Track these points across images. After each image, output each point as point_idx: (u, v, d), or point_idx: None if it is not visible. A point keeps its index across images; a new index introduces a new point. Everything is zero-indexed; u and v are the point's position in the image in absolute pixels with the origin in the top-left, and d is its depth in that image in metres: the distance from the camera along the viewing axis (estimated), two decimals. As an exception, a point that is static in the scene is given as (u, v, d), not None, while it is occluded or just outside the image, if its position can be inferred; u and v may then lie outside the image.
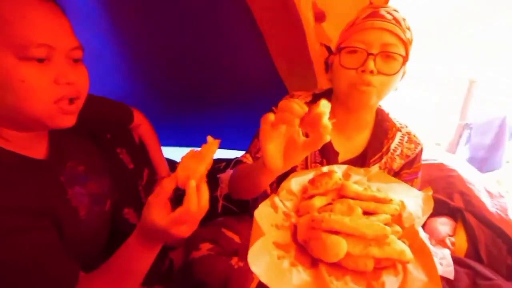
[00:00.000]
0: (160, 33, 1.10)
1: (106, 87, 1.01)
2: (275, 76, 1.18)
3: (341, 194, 0.68)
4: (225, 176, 1.37)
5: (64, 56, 0.60)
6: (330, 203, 0.66)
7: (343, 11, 0.92)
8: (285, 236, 0.60)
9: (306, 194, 0.70)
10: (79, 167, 0.78)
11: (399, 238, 0.59)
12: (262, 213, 0.63)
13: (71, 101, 0.62)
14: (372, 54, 0.77)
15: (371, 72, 0.76)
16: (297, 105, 0.60)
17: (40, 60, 0.57)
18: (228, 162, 1.42)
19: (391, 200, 0.65)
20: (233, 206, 1.28)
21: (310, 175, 0.74)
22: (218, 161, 1.45)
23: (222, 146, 1.61)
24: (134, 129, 1.07)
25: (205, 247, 0.93)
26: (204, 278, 0.90)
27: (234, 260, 0.93)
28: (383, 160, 0.93)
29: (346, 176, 0.77)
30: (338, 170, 0.76)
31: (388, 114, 0.97)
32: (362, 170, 0.80)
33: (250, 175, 0.78)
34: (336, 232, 0.56)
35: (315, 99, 0.93)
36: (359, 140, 0.93)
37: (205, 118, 1.43)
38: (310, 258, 0.57)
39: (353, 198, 0.66)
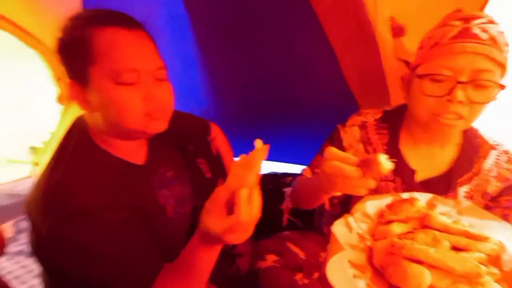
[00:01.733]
0: (238, 54, 1.18)
1: (189, 103, 1.12)
2: (346, 92, 1.17)
3: (424, 224, 0.62)
4: (291, 190, 1.40)
5: (150, 76, 0.69)
6: (411, 232, 0.62)
7: (424, 23, 0.86)
8: (360, 257, 0.58)
9: (383, 219, 0.66)
10: (168, 173, 0.88)
11: (496, 281, 0.52)
12: (338, 230, 0.63)
13: (159, 111, 0.71)
14: (461, 82, 0.66)
15: (460, 102, 0.67)
16: (347, 168, 0.56)
17: (131, 84, 0.66)
18: (294, 176, 1.45)
19: (487, 238, 0.57)
20: (298, 220, 1.30)
21: (387, 199, 0.70)
22: (285, 175, 1.49)
23: (290, 161, 1.66)
24: (212, 141, 1.17)
25: (270, 259, 0.95)
26: None
27: (299, 276, 0.92)
28: (475, 182, 0.81)
29: (431, 205, 0.70)
30: (421, 198, 0.70)
31: (477, 130, 0.85)
32: (451, 201, 0.72)
33: (308, 188, 0.79)
34: (419, 262, 0.52)
35: (386, 116, 0.90)
36: (442, 157, 0.84)
37: (276, 132, 1.48)
38: (388, 283, 0.54)
39: (439, 230, 0.60)
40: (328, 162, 0.58)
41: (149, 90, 0.68)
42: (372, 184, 0.57)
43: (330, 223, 1.03)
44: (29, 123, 1.70)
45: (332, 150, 0.59)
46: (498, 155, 0.83)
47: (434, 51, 0.70)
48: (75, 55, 0.66)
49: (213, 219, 0.56)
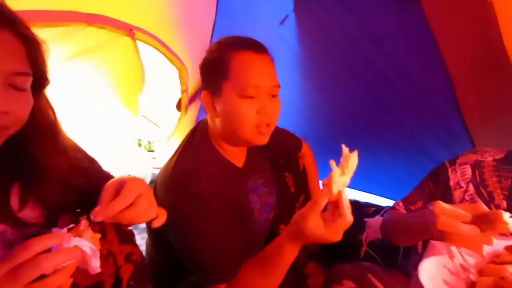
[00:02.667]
0: (343, 82, 1.24)
1: (287, 120, 1.21)
2: (458, 128, 1.08)
3: None
4: (373, 221, 1.33)
5: (266, 93, 0.80)
6: None
7: None
8: (458, 284, 0.56)
9: (498, 259, 0.60)
10: (259, 180, 0.99)
11: None
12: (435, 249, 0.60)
13: (267, 125, 0.82)
14: None
15: None
16: (464, 227, 0.55)
17: (251, 97, 0.78)
18: (377, 208, 1.38)
19: None
20: (376, 255, 1.22)
21: (506, 241, 0.63)
22: (367, 204, 1.43)
23: (375, 192, 1.59)
24: (301, 158, 1.23)
25: (348, 284, 0.90)
26: None
27: (375, 312, 0.87)
28: None
29: None
30: None
31: None
32: None
33: (407, 226, 0.77)
34: None
35: (510, 157, 0.79)
36: None
37: (368, 161, 1.45)
38: None
39: None
40: (441, 219, 0.58)
41: (263, 103, 0.79)
42: (492, 242, 0.55)
43: (417, 265, 0.95)
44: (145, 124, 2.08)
45: (441, 206, 0.59)
46: None
47: None
48: (214, 71, 0.82)
49: (316, 223, 0.62)
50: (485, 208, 0.57)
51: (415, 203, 0.91)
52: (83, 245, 0.46)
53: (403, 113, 1.24)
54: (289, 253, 0.71)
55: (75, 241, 0.46)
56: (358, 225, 1.30)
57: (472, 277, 0.57)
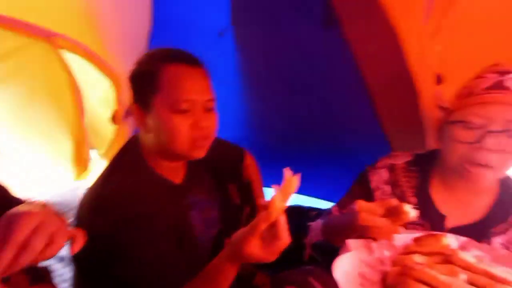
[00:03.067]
0: (279, 94, 1.30)
1: (227, 131, 1.22)
2: (379, 136, 1.22)
3: (447, 260, 0.63)
4: (315, 225, 1.39)
5: (201, 106, 0.79)
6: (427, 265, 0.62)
7: (464, 74, 0.90)
8: (373, 275, 0.62)
9: (407, 250, 0.68)
10: (200, 195, 0.95)
11: None
12: (353, 244, 0.68)
13: (204, 139, 0.80)
14: (492, 131, 0.69)
15: (489, 150, 0.69)
16: (379, 220, 0.65)
17: (184, 111, 0.76)
18: (320, 211, 1.45)
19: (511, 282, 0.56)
20: (319, 257, 1.27)
21: (416, 234, 0.72)
22: (309, 209, 1.49)
23: (316, 195, 1.68)
24: (244, 169, 1.23)
25: (290, 291, 0.93)
26: None
27: (318, 313, 0.90)
28: (510, 235, 0.79)
29: (463, 248, 0.70)
30: (455, 241, 0.70)
31: None
32: (486, 246, 0.72)
33: (341, 228, 0.84)
34: (429, 286, 0.54)
35: (417, 160, 0.91)
36: (476, 205, 0.83)
37: (306, 167, 1.52)
38: None
39: (461, 268, 0.60)
40: (360, 215, 0.66)
41: (197, 119, 0.77)
42: (399, 230, 0.65)
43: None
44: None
45: (361, 204, 0.67)
46: None
47: (468, 100, 0.74)
48: (144, 85, 0.78)
49: (255, 245, 0.63)
50: (394, 203, 0.66)
51: (346, 205, 0.99)
52: None
53: (333, 123, 1.35)
54: (228, 272, 0.70)
55: None
56: (302, 230, 1.35)
57: (387, 268, 0.64)
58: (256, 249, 0.63)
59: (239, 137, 1.15)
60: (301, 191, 1.67)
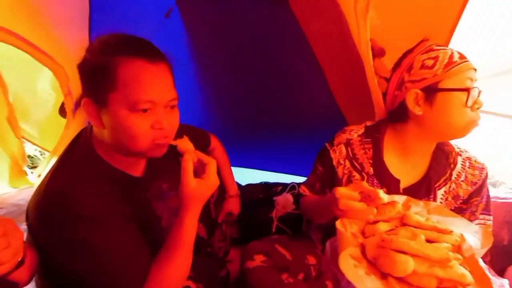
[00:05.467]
0: (235, 73, 1.27)
1: (188, 115, 1.19)
2: (334, 108, 1.25)
3: (403, 222, 0.72)
4: (281, 199, 1.44)
5: (163, 106, 0.72)
6: (393, 229, 0.71)
7: (399, 46, 0.94)
8: (356, 252, 0.68)
9: (370, 220, 0.74)
10: (164, 185, 0.91)
11: (460, 265, 0.62)
12: (340, 229, 0.71)
13: (164, 138, 0.74)
14: (470, 89, 0.79)
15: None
16: (358, 204, 0.72)
17: (144, 111, 0.69)
18: (284, 186, 1.50)
19: (451, 231, 0.67)
20: (286, 227, 1.34)
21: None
22: (274, 184, 1.53)
23: (280, 170, 1.73)
24: (210, 152, 1.21)
25: (259, 259, 0.98)
26: (256, 287, 0.94)
27: (285, 276, 0.96)
28: (449, 186, 0.89)
29: (406, 206, 0.78)
30: (399, 200, 0.78)
31: None
32: (421, 202, 0.80)
33: (319, 209, 0.93)
34: (403, 252, 0.62)
35: (368, 131, 0.96)
36: (421, 166, 0.91)
37: (269, 144, 1.55)
38: (380, 272, 0.64)
39: (415, 227, 0.70)
40: (340, 200, 0.73)
41: (158, 118, 0.71)
42: (374, 211, 0.73)
43: (317, 229, 1.09)
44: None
45: (341, 190, 0.73)
46: (463, 161, 0.92)
47: (452, 71, 0.80)
48: (98, 79, 0.68)
49: (193, 179, 0.71)
50: (367, 186, 0.73)
51: (314, 185, 1.03)
52: None
53: (290, 100, 1.37)
54: (190, 227, 0.72)
55: None
56: (269, 205, 1.41)
57: (360, 240, 0.70)
58: (196, 181, 0.70)
59: (198, 121, 1.12)
60: (266, 167, 1.72)
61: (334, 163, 0.96)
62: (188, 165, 0.70)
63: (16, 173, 1.52)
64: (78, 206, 0.67)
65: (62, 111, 1.46)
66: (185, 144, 0.74)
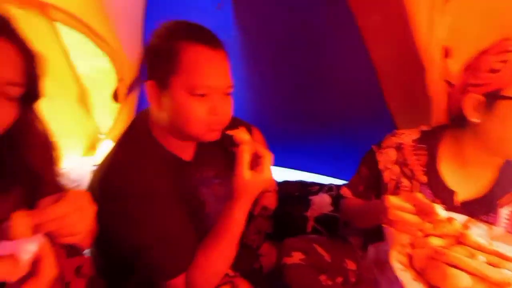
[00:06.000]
0: (282, 68, 1.25)
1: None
2: (383, 110, 1.19)
3: (459, 241, 0.68)
4: (318, 199, 1.42)
5: (219, 92, 0.75)
6: (445, 247, 0.67)
7: (469, 48, 0.86)
8: (403, 259, 0.66)
9: (420, 235, 0.71)
10: (210, 172, 0.95)
11: None
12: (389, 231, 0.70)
13: (219, 123, 0.78)
14: None
15: None
16: (410, 217, 0.67)
17: (202, 95, 0.73)
18: (321, 186, 1.47)
19: None
20: (322, 228, 1.31)
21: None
22: (311, 184, 1.51)
23: (318, 171, 1.69)
24: None
25: (297, 256, 0.97)
26: (292, 284, 0.93)
27: (323, 277, 0.94)
28: None
29: (465, 227, 0.73)
30: (458, 219, 0.73)
31: None
32: (484, 225, 0.75)
33: (364, 214, 0.89)
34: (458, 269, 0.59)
35: (424, 137, 0.90)
36: (482, 179, 0.84)
37: (308, 143, 1.53)
38: (428, 284, 0.61)
39: (473, 248, 0.65)
40: (391, 211, 0.68)
41: (214, 104, 0.74)
42: (428, 226, 0.68)
43: (357, 234, 1.06)
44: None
45: (392, 200, 0.69)
46: None
47: None
48: (162, 62, 0.73)
49: (248, 171, 0.72)
50: (423, 199, 0.68)
51: (357, 188, 0.99)
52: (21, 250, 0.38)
53: (337, 99, 1.32)
54: (239, 219, 0.74)
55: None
56: (304, 203, 1.39)
57: (408, 250, 0.68)
58: (251, 174, 0.71)
59: (241, 113, 1.12)
60: (303, 167, 1.69)
61: (380, 166, 0.92)
62: (244, 156, 0.71)
63: (91, 144, 1.64)
64: (134, 184, 0.72)
65: (115, 96, 1.54)
66: (242, 135, 0.74)
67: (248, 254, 1.16)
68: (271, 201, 1.29)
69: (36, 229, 0.43)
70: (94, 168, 0.83)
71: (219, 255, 0.75)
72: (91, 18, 1.28)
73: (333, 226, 1.25)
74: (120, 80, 1.49)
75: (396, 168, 0.90)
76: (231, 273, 0.90)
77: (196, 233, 0.79)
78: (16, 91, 0.51)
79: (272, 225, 1.39)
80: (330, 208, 1.32)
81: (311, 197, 1.37)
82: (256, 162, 0.73)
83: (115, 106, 1.58)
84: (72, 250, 0.57)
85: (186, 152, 0.86)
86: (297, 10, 1.17)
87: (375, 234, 0.81)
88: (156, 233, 0.72)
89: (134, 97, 1.61)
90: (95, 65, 1.52)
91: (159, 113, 0.78)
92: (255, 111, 1.34)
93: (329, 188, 1.43)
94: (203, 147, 0.92)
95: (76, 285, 0.56)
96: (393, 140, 0.92)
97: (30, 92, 0.55)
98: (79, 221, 0.49)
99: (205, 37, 0.74)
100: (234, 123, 1.13)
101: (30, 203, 0.53)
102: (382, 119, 1.22)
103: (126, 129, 0.84)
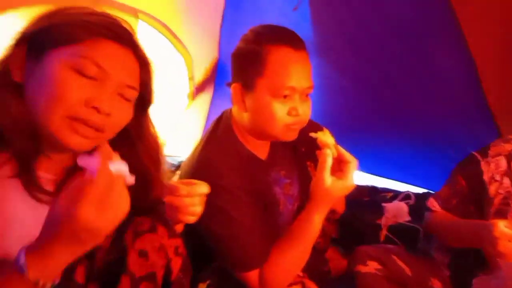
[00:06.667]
0: (364, 69, 1.19)
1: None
2: (483, 110, 1.05)
3: None
4: (392, 207, 1.34)
5: (300, 93, 0.77)
6: None
7: None
8: None
9: None
10: (281, 171, 0.96)
11: None
12: None
13: (297, 124, 0.79)
14: None
15: None
16: None
17: (284, 96, 0.75)
18: (395, 193, 1.38)
19: None
20: (397, 238, 1.24)
21: None
22: (384, 190, 1.43)
23: (395, 177, 1.58)
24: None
25: (372, 265, 0.93)
26: None
27: (403, 291, 0.89)
28: None
29: None
30: None
31: None
32: None
33: (461, 234, 0.80)
34: None
35: None
36: None
37: (383, 147, 1.44)
38: None
39: None
40: (502, 242, 0.61)
41: (295, 105, 0.77)
42: None
43: (444, 251, 0.97)
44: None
45: (502, 230, 0.62)
46: None
47: None
48: (249, 65, 0.77)
49: (330, 178, 0.70)
50: None
51: (449, 200, 0.90)
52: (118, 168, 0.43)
53: (422, 98, 1.21)
54: (317, 223, 0.74)
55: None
56: (376, 210, 1.31)
57: None
58: (335, 181, 0.69)
59: (316, 114, 1.10)
60: (375, 171, 1.60)
61: (486, 177, 0.82)
62: (327, 160, 0.70)
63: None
64: (220, 177, 0.77)
65: (188, 95, 1.64)
66: (326, 138, 0.73)
67: (315, 257, 1.15)
68: (339, 205, 1.26)
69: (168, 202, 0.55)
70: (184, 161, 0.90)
71: (294, 256, 0.77)
72: (173, 23, 1.39)
73: (409, 238, 1.16)
74: (190, 79, 1.58)
75: (507, 181, 0.79)
76: (300, 273, 0.90)
77: (270, 230, 0.82)
78: (132, 94, 0.58)
79: (338, 229, 1.36)
80: (407, 217, 1.24)
81: (384, 204, 1.29)
82: (338, 167, 0.71)
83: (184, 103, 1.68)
84: (172, 232, 0.64)
85: (262, 151, 0.90)
86: (377, 4, 1.10)
87: (467, 253, 0.73)
88: (239, 225, 0.76)
89: (207, 97, 1.69)
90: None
91: (242, 114, 0.81)
92: (325, 111, 1.30)
93: (406, 195, 1.33)
94: (275, 147, 0.94)
95: (175, 263, 0.62)
96: (505, 147, 0.81)
97: (144, 96, 0.62)
98: (200, 206, 0.60)
99: (290, 38, 0.76)
100: (309, 125, 1.13)
101: (139, 199, 0.60)
102: (482, 121, 1.07)
103: (212, 127, 0.89)
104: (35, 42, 0.53)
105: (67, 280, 0.48)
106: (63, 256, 0.40)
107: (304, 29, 1.31)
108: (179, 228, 0.68)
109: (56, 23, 0.53)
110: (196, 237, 0.81)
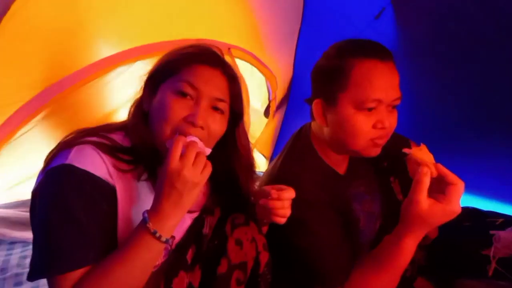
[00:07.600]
0: (456, 78, 1.07)
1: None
2: None
3: None
4: (504, 235, 1.11)
5: (387, 105, 0.73)
6: None
7: None
8: None
9: None
10: (361, 187, 0.92)
11: None
12: None
13: (382, 138, 0.75)
14: None
15: None
16: None
17: (369, 109, 0.72)
18: (507, 219, 1.14)
19: None
20: (510, 274, 1.01)
21: None
22: (493, 214, 1.19)
23: (503, 200, 1.32)
24: (409, 161, 1.10)
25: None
26: None
27: None
28: None
29: None
30: None
31: None
32: None
33: None
34: None
35: None
36: None
37: (483, 163, 1.23)
38: None
39: None
40: None
41: (381, 118, 0.73)
42: None
43: None
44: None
45: None
46: None
47: None
48: (331, 81, 0.77)
49: (429, 200, 0.62)
50: None
51: None
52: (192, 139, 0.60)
53: None
54: (408, 250, 0.67)
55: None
56: (481, 239, 1.10)
57: None
58: (433, 204, 0.61)
59: (405, 127, 1.01)
60: (476, 191, 1.35)
61: None
62: (425, 180, 0.62)
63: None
64: (303, 191, 0.76)
65: (267, 112, 1.74)
66: (423, 155, 0.65)
67: (403, 285, 1.04)
68: (432, 229, 1.11)
69: (262, 204, 0.65)
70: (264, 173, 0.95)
71: (379, 281, 0.71)
72: (257, 49, 1.54)
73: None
74: (272, 99, 1.68)
75: None
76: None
77: (352, 247, 0.79)
78: (223, 105, 0.67)
79: (426, 257, 1.19)
80: (525, 250, 1.00)
81: (493, 232, 1.08)
82: (438, 188, 0.62)
83: (263, 121, 1.79)
84: (261, 229, 0.73)
85: (341, 166, 0.87)
86: (464, 18, 0.98)
87: None
88: (322, 240, 0.76)
89: (279, 113, 1.78)
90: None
91: (322, 128, 0.81)
92: (420, 124, 1.19)
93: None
94: (354, 162, 0.91)
95: (263, 257, 0.69)
96: None
97: (234, 109, 0.71)
98: (289, 209, 0.67)
99: (375, 51, 0.73)
100: (392, 137, 1.06)
101: (230, 198, 0.74)
102: None
103: (291, 142, 0.92)
104: (152, 79, 0.69)
105: (180, 260, 0.63)
106: (171, 212, 0.55)
107: (388, 37, 1.25)
108: (264, 230, 0.74)
109: (163, 63, 0.69)
110: (276, 247, 0.83)
